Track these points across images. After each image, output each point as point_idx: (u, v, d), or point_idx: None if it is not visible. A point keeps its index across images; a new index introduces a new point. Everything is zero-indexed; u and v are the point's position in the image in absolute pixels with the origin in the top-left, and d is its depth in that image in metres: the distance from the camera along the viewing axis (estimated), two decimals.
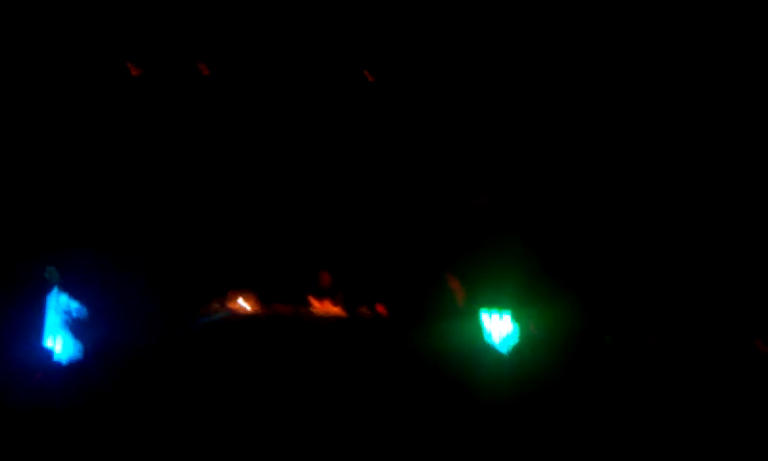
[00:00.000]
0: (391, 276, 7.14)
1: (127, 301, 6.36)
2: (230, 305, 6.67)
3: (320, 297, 6.99)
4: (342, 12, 6.42)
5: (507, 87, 6.79)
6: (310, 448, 4.48)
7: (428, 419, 4.92)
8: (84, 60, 6.39)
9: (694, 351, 5.49)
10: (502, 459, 4.40)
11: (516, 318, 6.08)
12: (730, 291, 5.84)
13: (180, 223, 7.27)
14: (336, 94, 7.11)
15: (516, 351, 5.93)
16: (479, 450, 4.44)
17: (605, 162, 6.63)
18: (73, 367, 5.73)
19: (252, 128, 7.29)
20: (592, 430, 4.60)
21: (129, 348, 5.94)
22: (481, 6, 6.43)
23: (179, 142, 7.16)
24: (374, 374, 5.79)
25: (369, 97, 7.08)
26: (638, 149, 6.54)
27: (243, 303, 6.68)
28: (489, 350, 6.09)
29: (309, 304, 6.94)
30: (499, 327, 6.06)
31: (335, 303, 6.94)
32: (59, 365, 5.72)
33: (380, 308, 6.71)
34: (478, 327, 6.19)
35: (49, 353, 5.75)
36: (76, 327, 5.97)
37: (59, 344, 5.80)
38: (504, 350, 5.98)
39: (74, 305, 5.98)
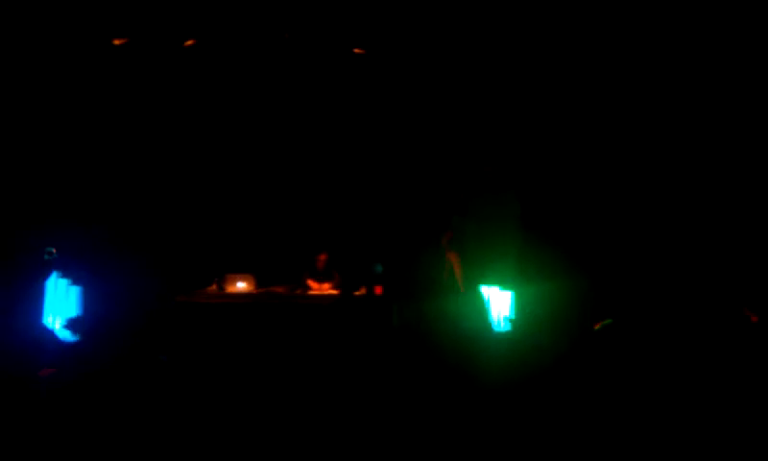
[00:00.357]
0: (389, 255, 7.17)
1: (126, 283, 6.45)
2: (228, 287, 6.71)
3: (317, 278, 7.03)
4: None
5: (505, 68, 6.78)
6: (306, 427, 4.51)
7: (426, 397, 4.94)
8: (80, 45, 6.41)
9: (694, 334, 5.46)
10: (501, 437, 4.41)
11: (516, 295, 6.08)
12: (730, 273, 5.82)
13: (178, 206, 7.34)
14: (328, 79, 7.13)
15: (516, 327, 5.94)
16: (477, 428, 4.45)
17: (609, 145, 6.62)
18: (73, 346, 5.81)
19: (251, 113, 7.34)
20: (591, 410, 4.60)
21: (127, 327, 6.03)
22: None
23: (179, 126, 7.21)
24: (370, 353, 5.82)
25: (360, 80, 7.09)
26: (640, 133, 6.53)
27: (240, 285, 6.71)
28: (488, 327, 6.10)
29: (306, 286, 6.98)
30: (500, 304, 6.06)
31: (332, 284, 6.99)
32: (60, 345, 5.78)
33: (378, 289, 6.71)
34: (477, 304, 6.20)
35: (50, 333, 5.81)
36: (76, 307, 6.05)
37: (58, 323, 5.88)
38: (504, 327, 5.99)
39: (74, 287, 6.06)
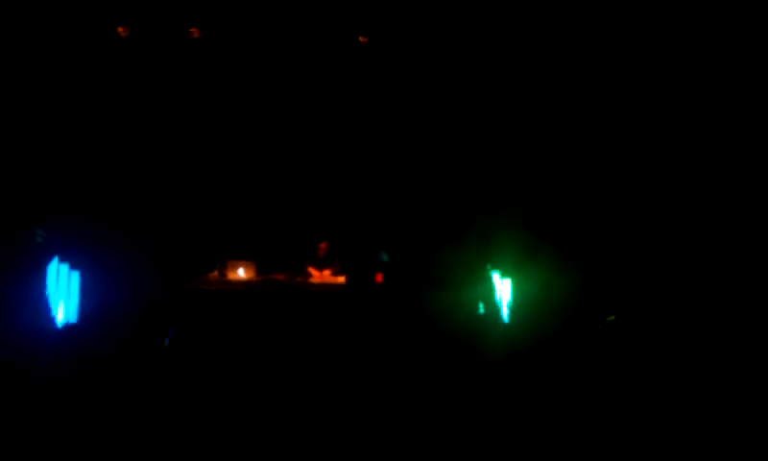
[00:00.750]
0: (393, 240, 7.22)
1: (128, 269, 6.43)
2: (229, 274, 6.70)
3: (318, 265, 7.04)
4: None
5: (507, 61, 6.82)
6: (308, 411, 4.54)
7: (426, 378, 5.00)
8: (82, 33, 6.35)
9: (692, 330, 5.56)
10: (499, 419, 4.48)
11: (518, 282, 6.15)
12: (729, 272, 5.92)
13: (180, 193, 7.31)
14: (332, 67, 7.12)
15: (518, 313, 6.02)
16: (478, 408, 4.52)
17: (609, 142, 6.69)
18: (74, 330, 5.80)
19: (253, 101, 7.31)
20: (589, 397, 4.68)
21: (127, 313, 6.02)
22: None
23: (181, 113, 7.17)
24: (374, 339, 5.87)
25: (364, 68, 7.08)
26: (638, 132, 6.60)
27: (241, 272, 6.71)
28: (491, 312, 6.20)
29: (307, 273, 6.99)
30: (503, 290, 6.14)
31: (332, 272, 7.00)
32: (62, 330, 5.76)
33: (379, 277, 6.75)
34: (481, 291, 6.28)
35: (52, 319, 5.79)
36: (77, 292, 6.02)
37: (60, 309, 5.84)
38: (506, 311, 6.07)
39: (75, 273, 6.01)
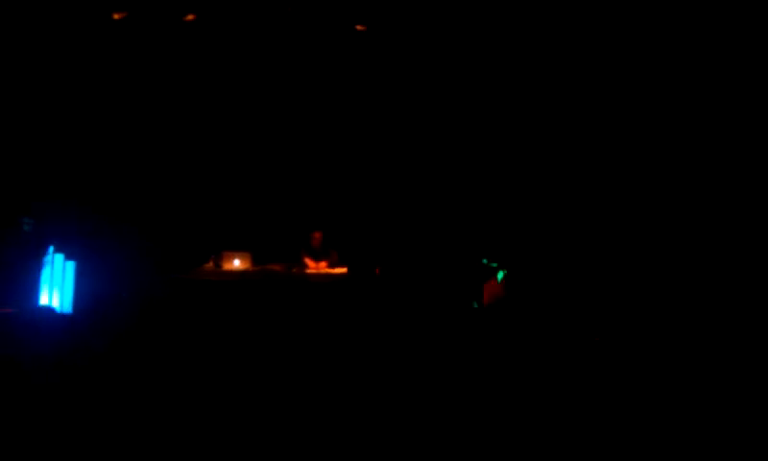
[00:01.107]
0: (386, 233, 7.21)
1: (123, 259, 6.45)
2: (225, 264, 6.71)
3: (314, 256, 7.05)
4: None
5: (502, 61, 6.79)
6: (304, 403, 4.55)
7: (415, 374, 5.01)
8: (71, 18, 6.33)
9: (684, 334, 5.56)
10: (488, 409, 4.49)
11: (506, 276, 6.17)
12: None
13: (175, 183, 7.31)
14: (328, 57, 7.09)
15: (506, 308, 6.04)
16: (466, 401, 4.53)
17: (602, 149, 6.67)
18: (70, 320, 5.84)
19: (249, 91, 7.30)
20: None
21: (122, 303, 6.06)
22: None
23: (176, 104, 7.16)
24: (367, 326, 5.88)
25: (361, 58, 7.06)
26: (633, 140, 6.56)
27: (237, 262, 6.71)
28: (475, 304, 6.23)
29: (303, 264, 7.00)
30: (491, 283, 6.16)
31: (328, 262, 7.00)
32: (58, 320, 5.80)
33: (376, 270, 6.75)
34: (470, 282, 6.30)
35: (47, 308, 5.82)
36: (71, 282, 6.05)
37: (56, 298, 5.88)
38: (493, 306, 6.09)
39: (70, 263, 6.05)
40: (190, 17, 6.56)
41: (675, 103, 6.33)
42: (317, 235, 7.05)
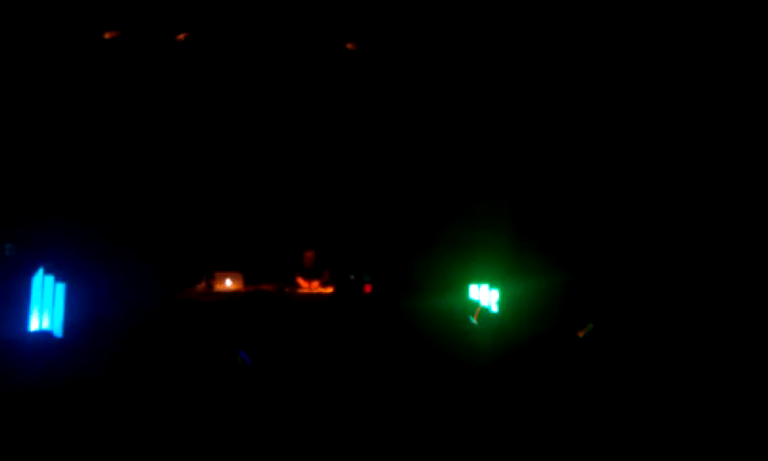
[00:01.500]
0: (378, 251, 7.22)
1: (114, 280, 6.36)
2: (217, 285, 6.66)
3: (306, 276, 7.03)
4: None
5: (490, 66, 6.88)
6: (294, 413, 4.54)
7: (408, 385, 5.02)
8: (71, 40, 6.28)
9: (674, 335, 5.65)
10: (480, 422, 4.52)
11: (500, 292, 6.22)
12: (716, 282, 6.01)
13: (167, 204, 7.25)
14: (319, 76, 7.13)
15: (502, 320, 6.07)
16: (459, 413, 4.54)
17: (592, 150, 6.77)
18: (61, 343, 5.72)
19: (241, 111, 7.29)
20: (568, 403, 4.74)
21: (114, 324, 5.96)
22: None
23: (168, 124, 7.12)
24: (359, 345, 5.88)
25: (351, 77, 7.10)
26: (622, 139, 6.68)
27: (229, 282, 6.67)
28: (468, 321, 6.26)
29: (296, 284, 6.97)
30: (485, 300, 6.20)
31: (321, 282, 6.99)
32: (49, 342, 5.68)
33: (367, 288, 6.75)
34: (463, 301, 6.33)
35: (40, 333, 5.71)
36: (62, 304, 5.93)
37: (46, 321, 5.76)
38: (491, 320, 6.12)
39: (60, 284, 5.93)
40: (181, 37, 6.56)
41: (660, 106, 6.46)
42: (309, 255, 7.05)
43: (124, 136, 6.88)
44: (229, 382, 5.06)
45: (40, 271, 5.87)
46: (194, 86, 6.98)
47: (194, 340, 5.93)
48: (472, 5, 6.25)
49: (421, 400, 4.79)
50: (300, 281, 6.99)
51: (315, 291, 6.87)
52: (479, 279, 6.45)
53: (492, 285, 6.41)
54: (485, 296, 6.25)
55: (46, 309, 5.80)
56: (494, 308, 6.33)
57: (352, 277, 6.57)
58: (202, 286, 6.74)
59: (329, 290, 6.84)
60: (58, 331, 5.85)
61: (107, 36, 5.94)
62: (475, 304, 6.43)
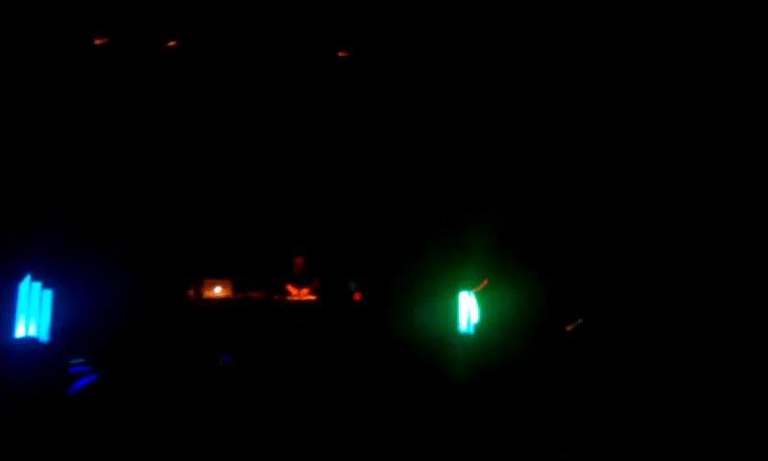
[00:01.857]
0: (365, 259, 7.22)
1: (102, 287, 6.33)
2: (206, 292, 6.64)
3: (295, 283, 7.02)
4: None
5: (476, 77, 6.92)
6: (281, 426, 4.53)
7: (398, 397, 5.00)
8: (59, 45, 6.26)
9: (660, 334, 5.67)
10: (470, 434, 4.51)
11: (486, 299, 6.23)
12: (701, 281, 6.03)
13: (156, 211, 7.23)
14: (310, 83, 7.16)
15: (486, 330, 6.09)
16: (448, 426, 4.54)
17: (575, 154, 6.80)
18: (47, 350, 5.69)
19: (231, 118, 7.30)
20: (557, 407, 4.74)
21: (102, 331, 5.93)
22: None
23: (158, 130, 7.11)
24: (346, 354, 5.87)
25: (338, 85, 7.13)
26: (605, 142, 6.71)
27: (218, 290, 6.65)
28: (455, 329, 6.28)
29: (285, 291, 6.96)
30: (472, 308, 6.21)
31: (311, 290, 6.98)
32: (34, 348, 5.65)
33: (357, 295, 6.76)
34: (451, 308, 6.33)
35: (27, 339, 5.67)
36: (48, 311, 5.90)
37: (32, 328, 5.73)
38: (474, 329, 6.13)
39: (47, 292, 5.91)
40: (172, 44, 6.57)
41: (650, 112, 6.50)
42: (298, 261, 7.04)
43: (113, 142, 6.86)
44: (211, 387, 5.06)
45: (27, 277, 5.85)
46: (184, 93, 6.98)
47: (179, 346, 5.91)
48: (456, 22, 6.31)
49: (405, 406, 4.80)
50: (290, 289, 6.99)
51: (304, 298, 6.87)
52: (468, 286, 6.45)
53: (478, 293, 6.42)
54: (472, 302, 6.26)
55: (33, 316, 5.77)
56: (478, 315, 6.34)
57: (336, 284, 6.58)
58: (190, 293, 6.72)
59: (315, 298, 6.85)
60: (44, 338, 5.83)
61: (97, 42, 5.93)
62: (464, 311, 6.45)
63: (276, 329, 6.24)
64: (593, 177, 6.68)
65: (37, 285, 5.90)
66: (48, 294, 5.94)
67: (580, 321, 5.79)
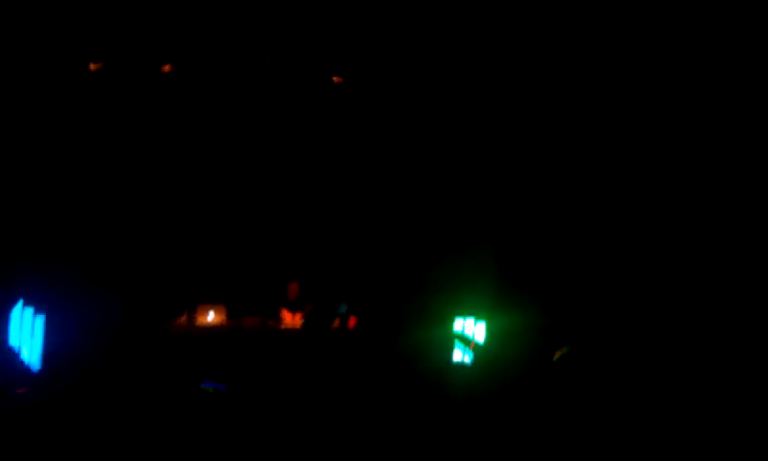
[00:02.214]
0: (363, 285, 7.20)
1: (94, 312, 6.31)
2: (199, 318, 6.62)
3: (290, 309, 6.98)
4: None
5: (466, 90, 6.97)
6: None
7: (397, 420, 4.98)
8: (45, 71, 6.30)
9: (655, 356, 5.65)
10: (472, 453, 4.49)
11: (486, 325, 6.21)
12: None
13: (150, 236, 7.23)
14: (304, 107, 7.21)
15: (486, 355, 6.06)
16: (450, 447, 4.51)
17: (571, 173, 6.83)
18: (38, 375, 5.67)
19: (224, 141, 7.34)
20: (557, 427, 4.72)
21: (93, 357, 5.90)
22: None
23: (150, 153, 7.14)
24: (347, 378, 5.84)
25: (335, 105, 7.18)
26: (600, 159, 6.73)
27: (211, 316, 6.62)
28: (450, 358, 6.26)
29: (279, 317, 6.92)
30: (471, 332, 6.19)
31: (304, 315, 6.94)
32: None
33: (351, 320, 6.74)
34: (449, 334, 6.32)
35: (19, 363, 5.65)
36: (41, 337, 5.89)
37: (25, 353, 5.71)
38: (474, 354, 6.10)
39: (40, 317, 5.90)
40: (167, 68, 6.62)
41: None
42: (293, 287, 6.99)
43: (104, 167, 6.89)
44: (199, 413, 5.04)
45: (20, 303, 5.85)
46: (174, 116, 7.01)
47: (170, 372, 5.87)
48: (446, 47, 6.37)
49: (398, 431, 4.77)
50: (285, 314, 6.94)
51: (298, 325, 6.82)
52: (465, 313, 6.44)
53: (478, 318, 6.40)
54: (471, 329, 6.25)
55: (25, 342, 5.75)
56: (480, 340, 6.31)
57: (326, 307, 6.54)
58: (183, 319, 6.69)
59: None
60: (36, 364, 5.81)
61: (92, 67, 5.98)
62: (461, 337, 6.43)
63: (264, 359, 6.21)
64: (592, 206, 6.70)
65: (29, 311, 5.91)
66: (41, 320, 5.95)
67: (566, 349, 5.77)
